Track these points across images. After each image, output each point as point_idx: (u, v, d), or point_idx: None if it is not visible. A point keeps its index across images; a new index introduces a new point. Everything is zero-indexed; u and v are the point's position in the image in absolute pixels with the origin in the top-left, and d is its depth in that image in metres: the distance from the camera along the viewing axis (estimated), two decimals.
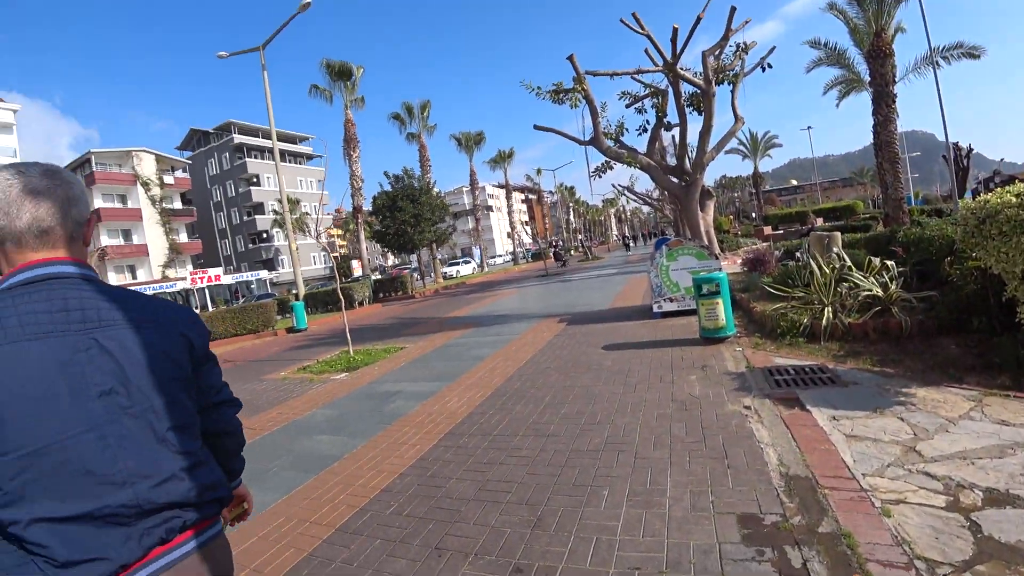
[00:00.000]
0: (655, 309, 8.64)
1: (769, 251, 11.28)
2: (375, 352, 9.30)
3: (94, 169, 44.86)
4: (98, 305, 1.14)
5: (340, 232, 75.11)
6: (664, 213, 38.39)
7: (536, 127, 12.67)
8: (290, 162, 61.68)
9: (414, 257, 35.66)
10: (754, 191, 54.18)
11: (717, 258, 8.71)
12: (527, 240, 76.77)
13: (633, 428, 3.97)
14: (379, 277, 33.02)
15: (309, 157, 67.13)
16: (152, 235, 47.24)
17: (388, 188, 28.18)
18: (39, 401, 1.01)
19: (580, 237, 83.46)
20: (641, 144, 22.78)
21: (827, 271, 6.49)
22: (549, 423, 4.35)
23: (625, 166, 11.97)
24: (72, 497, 1.02)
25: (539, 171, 62.62)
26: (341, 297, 10.24)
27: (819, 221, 29.61)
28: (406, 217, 26.65)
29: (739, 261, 12.72)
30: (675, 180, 12.11)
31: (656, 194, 41.56)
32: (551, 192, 78.54)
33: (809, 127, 58.70)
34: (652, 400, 4.54)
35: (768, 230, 28.23)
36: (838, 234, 8.93)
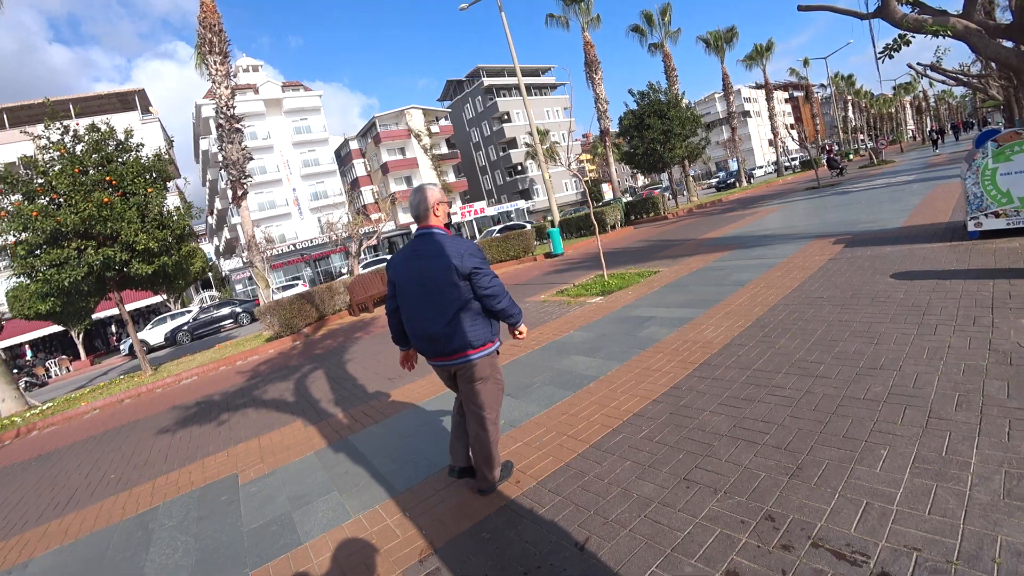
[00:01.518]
0: (971, 227, 6.68)
1: None
2: (628, 276, 9.43)
3: (378, 130, 53.73)
4: (426, 247, 2.85)
5: (589, 157, 75.94)
6: (989, 94, 28.26)
7: (801, 7, 10.54)
8: (535, 95, 63.90)
9: (664, 176, 34.16)
10: None
11: None
12: (793, 146, 66.63)
13: (928, 380, 3.28)
14: (630, 199, 32.76)
15: (553, 87, 68.45)
16: (427, 178, 55.13)
17: (634, 107, 27.20)
18: (406, 285, 2.91)
19: (862, 137, 69.01)
20: (953, 2, 17.34)
21: None
22: (818, 362, 3.90)
23: (929, 37, 9.22)
24: (416, 324, 2.92)
25: (806, 62, 52.70)
26: (595, 222, 10.49)
27: None
28: (655, 135, 25.50)
29: None
30: (1009, 45, 8.96)
31: (976, 68, 30.90)
32: (822, 86, 65.80)
33: None
34: (959, 347, 3.65)
35: None
36: None
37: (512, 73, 60.99)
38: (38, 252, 11.57)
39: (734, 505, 2.51)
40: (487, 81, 61.84)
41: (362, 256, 28.17)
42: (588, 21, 29.40)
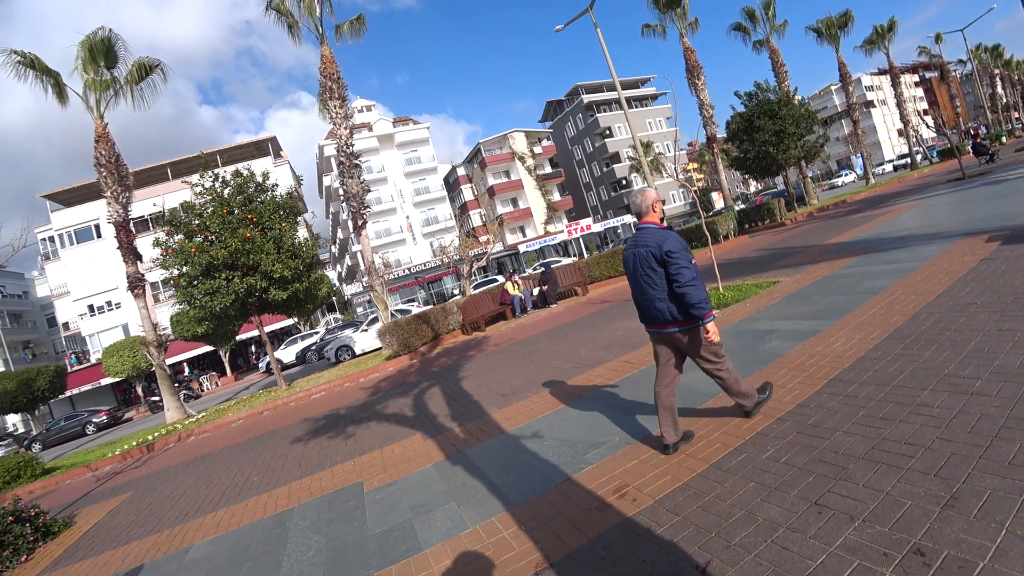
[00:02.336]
0: None
1: None
2: (745, 287, 8.93)
3: (484, 156, 55.77)
4: (642, 237, 3.59)
5: (696, 165, 73.21)
6: None
7: None
8: (635, 107, 63.08)
9: (779, 179, 31.95)
10: None
11: None
12: (928, 134, 59.37)
13: None
14: (742, 207, 31.02)
15: (654, 97, 67.20)
16: (532, 199, 56.35)
17: (741, 109, 25.84)
18: (629, 269, 3.69)
19: (1016, 115, 59.90)
20: None
21: None
22: (972, 377, 3.44)
23: None
24: (636, 300, 3.74)
25: (938, 37, 46.49)
26: (707, 233, 10.04)
27: None
28: (766, 136, 23.93)
29: None
30: None
31: None
32: (960, 62, 57.99)
33: None
34: None
35: None
36: None
37: (611, 88, 60.70)
38: (195, 283, 13.24)
39: (875, 535, 2.28)
40: (586, 98, 62.06)
41: (473, 277, 29.16)
42: (686, 26, 28.44)
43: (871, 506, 2.47)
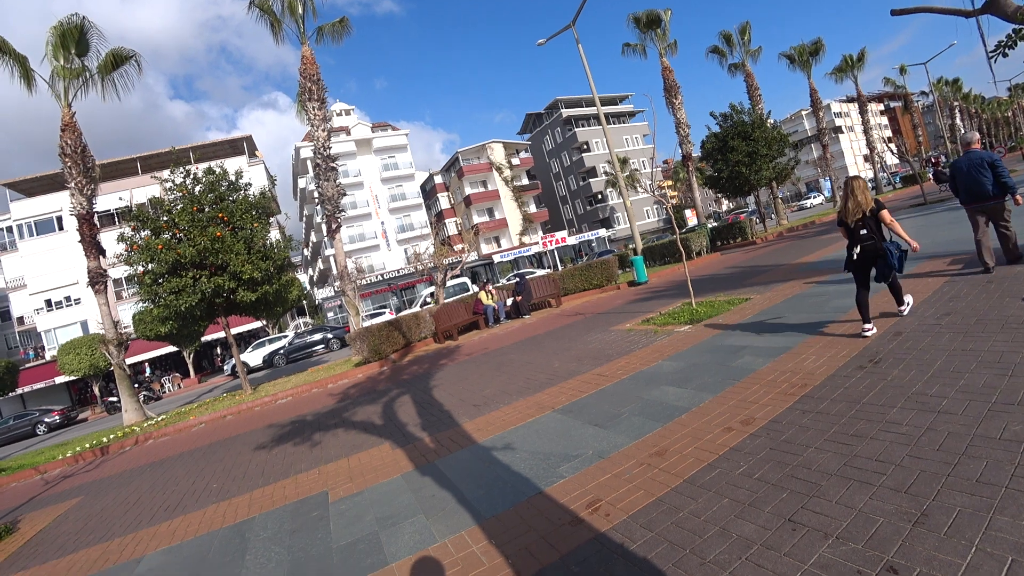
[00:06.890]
0: None
1: None
2: (718, 304, 9.04)
3: (462, 165, 56.08)
4: (972, 155, 6.71)
5: (670, 183, 74.46)
6: None
7: (895, 12, 9.67)
8: (613, 123, 64.10)
9: (751, 199, 32.57)
10: None
11: None
12: (892, 161, 61.67)
13: None
14: (714, 224, 31.60)
15: (631, 114, 68.46)
16: (508, 209, 56.68)
17: (716, 129, 26.43)
18: (963, 171, 6.80)
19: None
20: None
21: None
22: (940, 396, 3.51)
23: None
24: (969, 189, 6.77)
25: (903, 69, 48.73)
26: (682, 249, 10.18)
27: None
28: (739, 157, 24.50)
29: None
30: None
31: None
32: (923, 93, 60.86)
33: None
34: None
35: None
36: None
37: (590, 103, 61.55)
38: (161, 280, 12.83)
39: (848, 552, 2.28)
40: (565, 112, 62.73)
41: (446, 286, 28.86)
42: (665, 47, 29.02)
43: (844, 523, 2.47)
